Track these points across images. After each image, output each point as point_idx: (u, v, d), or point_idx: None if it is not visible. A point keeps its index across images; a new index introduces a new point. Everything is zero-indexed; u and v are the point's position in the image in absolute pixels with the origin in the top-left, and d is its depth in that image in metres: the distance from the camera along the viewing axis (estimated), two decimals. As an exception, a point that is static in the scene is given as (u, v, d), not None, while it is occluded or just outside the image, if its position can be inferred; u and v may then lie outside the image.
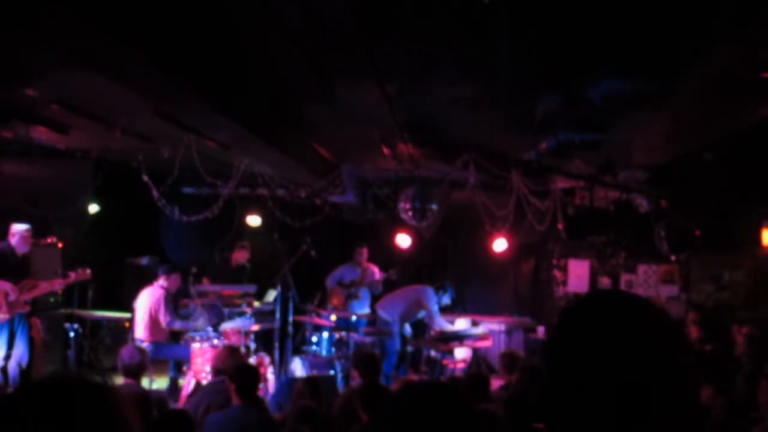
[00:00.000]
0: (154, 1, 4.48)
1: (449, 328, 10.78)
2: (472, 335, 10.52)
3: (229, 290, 10.31)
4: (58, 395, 1.42)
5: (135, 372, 6.43)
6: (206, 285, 10.69)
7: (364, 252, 11.68)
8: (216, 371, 6.65)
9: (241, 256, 11.58)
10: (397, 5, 4.54)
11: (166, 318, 9.23)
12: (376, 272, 11.64)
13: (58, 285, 8.96)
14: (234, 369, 5.85)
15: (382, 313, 10.82)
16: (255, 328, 9.62)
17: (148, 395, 5.51)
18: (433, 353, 10.27)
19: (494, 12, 4.40)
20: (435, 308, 10.66)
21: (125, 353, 6.58)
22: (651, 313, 1.38)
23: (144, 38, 4.60)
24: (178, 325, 9.36)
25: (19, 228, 8.59)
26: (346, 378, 9.37)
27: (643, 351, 1.31)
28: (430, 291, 10.75)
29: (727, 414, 5.13)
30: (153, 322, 9.26)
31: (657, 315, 1.38)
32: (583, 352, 1.35)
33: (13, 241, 8.56)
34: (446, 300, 10.87)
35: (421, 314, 10.84)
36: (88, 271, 9.06)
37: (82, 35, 4.31)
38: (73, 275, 8.95)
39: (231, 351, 6.81)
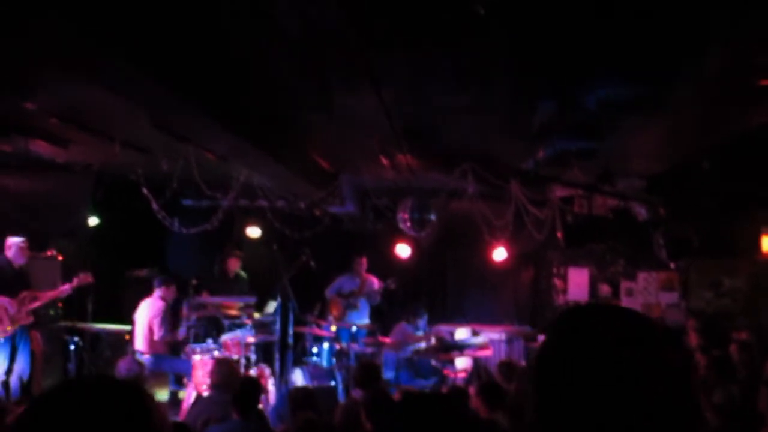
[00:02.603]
0: (153, 13, 4.50)
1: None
2: (473, 344, 10.51)
3: (228, 302, 10.32)
4: (100, 394, 1.42)
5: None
6: (206, 297, 10.69)
7: (363, 262, 11.69)
8: (212, 385, 6.63)
9: (235, 265, 11.61)
10: (394, 15, 4.57)
11: (160, 331, 9.23)
12: (375, 282, 11.65)
13: (62, 291, 8.93)
14: (235, 383, 5.86)
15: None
16: (255, 339, 9.62)
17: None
18: (433, 362, 10.26)
19: (490, 21, 4.43)
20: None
21: (122, 366, 6.59)
22: (651, 325, 1.36)
23: (142, 50, 4.62)
24: (170, 338, 9.37)
25: (14, 240, 8.58)
26: (347, 388, 9.36)
27: (647, 365, 1.29)
28: (403, 326, 10.84)
29: (721, 420, 5.14)
30: (151, 334, 9.26)
31: (656, 328, 1.35)
32: (583, 368, 1.30)
33: (9, 254, 8.54)
34: (422, 323, 10.90)
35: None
36: (90, 275, 9.05)
37: (80, 48, 4.34)
38: (75, 280, 8.95)
39: (222, 363, 6.80)
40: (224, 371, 6.61)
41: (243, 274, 11.82)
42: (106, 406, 1.39)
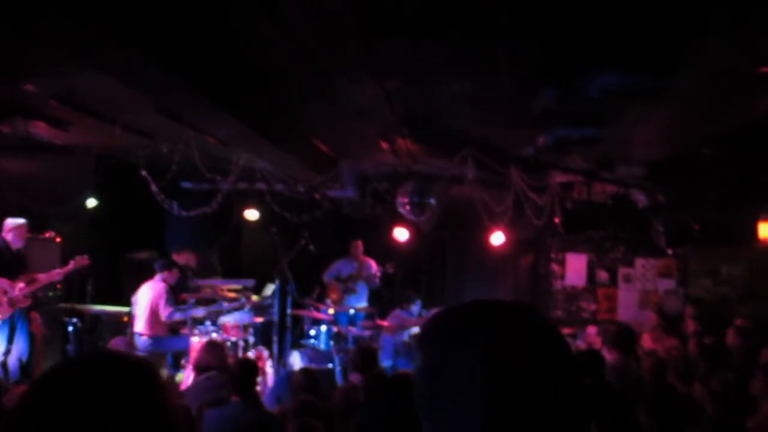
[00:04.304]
0: (154, -2, 4.49)
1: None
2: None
3: (226, 284, 10.34)
4: (113, 368, 1.42)
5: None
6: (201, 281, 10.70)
7: (359, 246, 11.70)
8: (198, 368, 6.57)
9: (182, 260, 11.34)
10: (396, 2, 4.56)
11: (167, 310, 9.24)
12: (373, 266, 11.67)
13: (57, 275, 8.94)
14: (232, 365, 5.88)
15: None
16: (254, 321, 9.66)
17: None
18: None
19: (493, 8, 4.42)
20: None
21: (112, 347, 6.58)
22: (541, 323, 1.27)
23: (143, 34, 4.61)
24: (178, 316, 9.38)
25: (12, 223, 8.55)
26: (345, 371, 9.40)
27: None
28: (397, 314, 10.85)
29: (718, 407, 5.17)
30: (153, 315, 9.27)
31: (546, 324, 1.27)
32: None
33: (8, 236, 8.52)
34: (416, 309, 10.90)
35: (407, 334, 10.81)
36: (86, 257, 9.04)
37: (81, 31, 4.33)
38: (71, 263, 8.94)
39: (211, 347, 6.76)
40: (212, 354, 6.56)
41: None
42: (115, 382, 1.39)
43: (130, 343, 6.88)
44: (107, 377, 1.39)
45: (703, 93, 6.16)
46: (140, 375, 1.43)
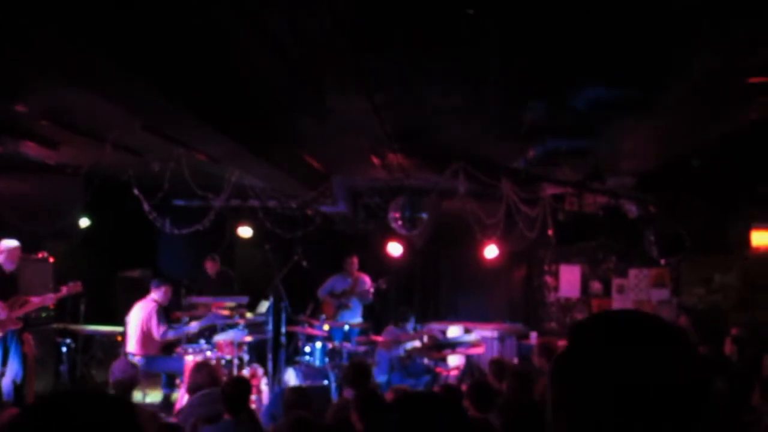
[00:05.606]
0: (143, 17, 4.50)
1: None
2: (465, 342, 10.52)
3: (220, 302, 10.32)
4: (85, 409, 1.42)
5: (127, 387, 6.42)
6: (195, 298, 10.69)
7: (354, 261, 11.71)
8: (190, 389, 6.57)
9: (211, 267, 11.63)
10: (384, 18, 4.58)
11: (160, 329, 9.22)
12: (367, 282, 11.67)
13: (49, 300, 8.93)
14: (224, 383, 5.87)
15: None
16: (248, 339, 9.63)
17: (153, 412, 5.51)
18: (426, 361, 10.28)
19: (481, 23, 4.44)
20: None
21: (117, 368, 6.57)
22: (665, 327, 1.37)
23: (133, 54, 4.62)
24: (171, 334, 9.36)
25: (6, 245, 8.53)
26: (340, 387, 9.37)
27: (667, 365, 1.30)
28: (391, 329, 10.80)
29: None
30: (145, 335, 9.24)
31: (672, 329, 1.36)
32: (600, 370, 1.31)
33: (0, 258, 8.52)
34: (410, 326, 10.88)
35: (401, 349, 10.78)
36: (79, 284, 9.03)
37: (74, 53, 4.34)
38: (64, 289, 8.92)
39: (199, 367, 6.76)
40: (201, 373, 6.56)
41: (229, 271, 11.83)
42: (91, 422, 1.40)
43: (134, 364, 6.84)
44: (85, 419, 1.40)
45: (689, 104, 6.20)
46: (117, 416, 1.44)
